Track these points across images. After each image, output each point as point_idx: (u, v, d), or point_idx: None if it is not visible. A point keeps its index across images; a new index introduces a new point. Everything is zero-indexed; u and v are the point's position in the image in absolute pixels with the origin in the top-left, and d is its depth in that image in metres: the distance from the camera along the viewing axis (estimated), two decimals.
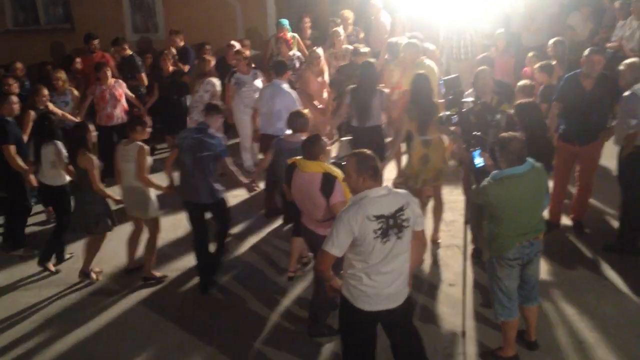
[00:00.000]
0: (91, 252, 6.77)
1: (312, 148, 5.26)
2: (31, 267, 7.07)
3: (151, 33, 12.45)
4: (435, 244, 7.00)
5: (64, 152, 6.81)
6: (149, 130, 6.65)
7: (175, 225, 7.67)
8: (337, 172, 5.09)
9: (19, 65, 9.79)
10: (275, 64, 8.28)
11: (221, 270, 6.70)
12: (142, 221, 6.74)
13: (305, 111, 6.57)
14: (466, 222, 5.73)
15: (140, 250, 6.83)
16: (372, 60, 8.01)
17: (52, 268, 6.97)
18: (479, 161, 5.13)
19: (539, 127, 5.88)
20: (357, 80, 7.73)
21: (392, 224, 4.03)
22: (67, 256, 7.20)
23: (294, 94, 7.90)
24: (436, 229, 7.06)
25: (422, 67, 7.99)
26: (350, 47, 9.53)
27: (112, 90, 9.16)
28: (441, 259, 6.82)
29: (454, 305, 5.88)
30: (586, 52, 6.79)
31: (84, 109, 9.29)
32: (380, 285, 4.13)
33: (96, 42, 10.62)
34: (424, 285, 6.32)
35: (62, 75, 8.98)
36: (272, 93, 7.89)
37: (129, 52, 10.54)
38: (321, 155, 5.23)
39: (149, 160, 6.49)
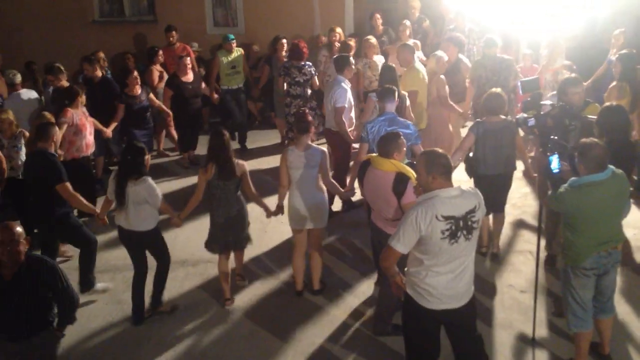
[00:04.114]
0: (238, 264, 6.44)
1: (387, 145, 5.20)
2: (105, 253, 7.25)
3: (231, 27, 12.64)
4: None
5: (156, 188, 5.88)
6: None
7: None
8: (411, 173, 5.05)
9: (100, 55, 10.09)
10: (336, 59, 8.07)
11: None
12: (307, 232, 6.17)
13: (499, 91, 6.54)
14: (540, 228, 5.60)
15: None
16: (392, 65, 7.95)
17: (168, 308, 6.19)
18: (555, 166, 4.97)
19: (621, 131, 5.65)
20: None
21: (462, 226, 3.97)
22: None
23: (348, 93, 7.65)
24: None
25: (412, 69, 8.05)
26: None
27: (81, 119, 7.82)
28: (513, 265, 6.69)
29: (525, 313, 5.75)
30: None
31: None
32: (442, 285, 4.08)
33: (174, 33, 10.83)
34: (495, 291, 6.22)
35: (9, 116, 7.33)
36: (330, 88, 7.80)
37: (65, 83, 8.79)
38: (396, 153, 5.18)
39: None
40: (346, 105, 7.59)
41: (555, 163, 4.95)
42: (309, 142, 6.08)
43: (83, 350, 5.67)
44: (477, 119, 6.69)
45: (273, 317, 6.02)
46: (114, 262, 7.07)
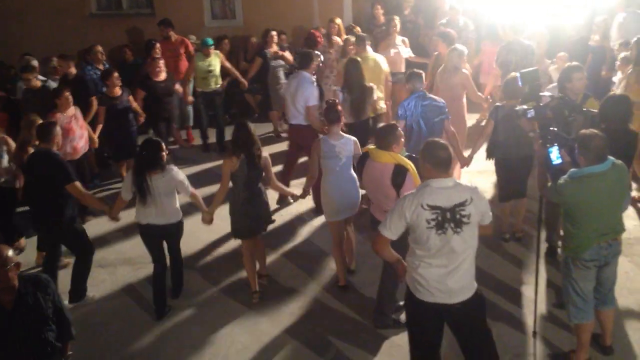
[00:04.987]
0: (261, 258, 6.38)
1: (386, 137, 5.20)
2: (115, 250, 7.29)
3: (229, 20, 12.60)
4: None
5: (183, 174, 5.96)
6: None
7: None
8: (410, 165, 5.03)
9: (98, 48, 10.01)
10: (302, 54, 8.07)
11: None
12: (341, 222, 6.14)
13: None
14: (540, 220, 5.58)
15: None
16: (358, 57, 7.95)
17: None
18: (554, 157, 4.94)
19: (620, 121, 5.59)
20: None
21: (449, 218, 3.95)
22: None
23: (315, 89, 7.61)
24: None
25: (367, 60, 8.22)
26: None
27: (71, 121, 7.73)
28: (514, 257, 6.68)
29: (526, 305, 5.76)
30: None
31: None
32: (433, 278, 4.06)
33: (162, 27, 10.60)
34: (495, 283, 6.20)
35: None
36: (296, 85, 7.67)
37: (38, 82, 8.87)
38: (394, 145, 5.17)
39: None
40: (317, 103, 7.59)
41: (555, 154, 4.93)
42: (340, 132, 6.08)
43: (90, 345, 5.65)
44: (496, 104, 6.86)
45: (277, 311, 6.02)
46: (128, 255, 7.15)
